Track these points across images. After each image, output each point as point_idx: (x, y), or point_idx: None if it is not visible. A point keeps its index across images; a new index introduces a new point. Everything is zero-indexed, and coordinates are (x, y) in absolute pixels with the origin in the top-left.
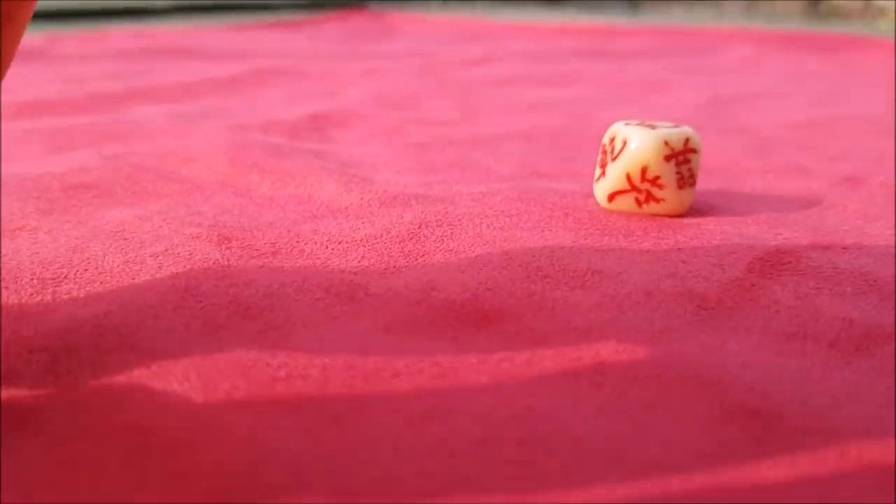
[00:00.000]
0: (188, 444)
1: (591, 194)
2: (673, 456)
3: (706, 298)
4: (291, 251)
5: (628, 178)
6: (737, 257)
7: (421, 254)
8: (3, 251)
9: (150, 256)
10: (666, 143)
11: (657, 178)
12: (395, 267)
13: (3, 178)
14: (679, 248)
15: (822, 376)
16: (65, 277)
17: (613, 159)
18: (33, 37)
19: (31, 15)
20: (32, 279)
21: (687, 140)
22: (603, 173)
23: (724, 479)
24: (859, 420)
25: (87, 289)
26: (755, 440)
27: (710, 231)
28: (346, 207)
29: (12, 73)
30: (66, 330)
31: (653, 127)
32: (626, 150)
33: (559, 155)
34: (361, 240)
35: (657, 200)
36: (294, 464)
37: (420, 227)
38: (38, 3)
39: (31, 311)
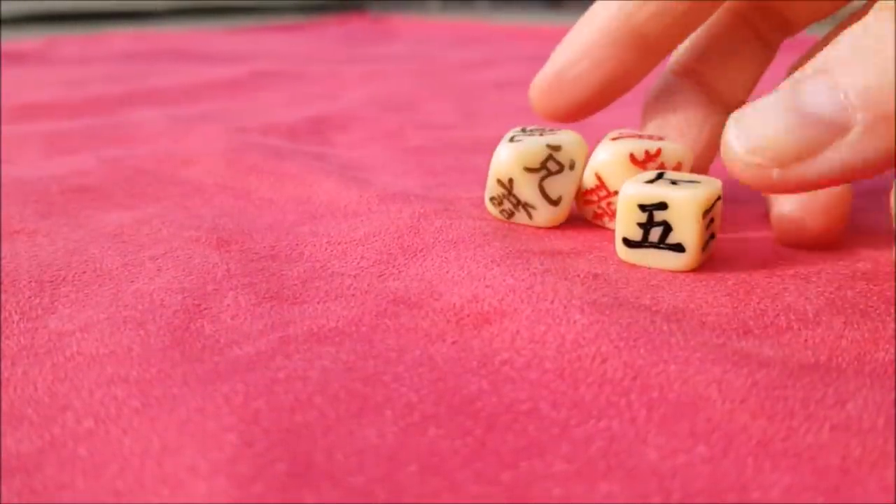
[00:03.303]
0: (187, 444)
1: None
2: (676, 464)
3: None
4: (291, 254)
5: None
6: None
7: (420, 248)
8: (2, 254)
9: (149, 259)
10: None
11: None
12: (394, 266)
13: (2, 180)
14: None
15: None
16: (63, 280)
17: None
18: (32, 39)
19: None
20: (31, 282)
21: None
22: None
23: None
24: None
25: (86, 291)
26: None
27: None
28: (345, 207)
29: (11, 75)
30: None
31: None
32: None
33: None
34: (360, 239)
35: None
36: (292, 464)
37: (419, 220)
38: (37, 4)
39: None
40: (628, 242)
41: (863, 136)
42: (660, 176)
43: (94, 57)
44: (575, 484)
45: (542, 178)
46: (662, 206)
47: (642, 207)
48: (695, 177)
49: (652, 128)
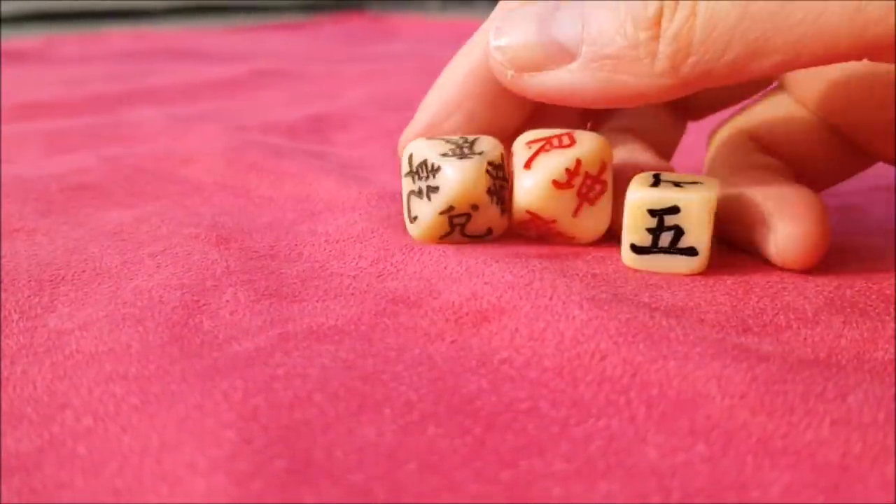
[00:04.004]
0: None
1: None
2: (676, 462)
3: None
4: (290, 253)
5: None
6: None
7: (419, 245)
8: (2, 253)
9: (148, 256)
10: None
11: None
12: (392, 265)
13: (1, 179)
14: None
15: None
16: (62, 279)
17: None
18: (32, 38)
19: None
20: (30, 280)
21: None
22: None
23: None
24: None
25: (85, 290)
26: None
27: None
28: (344, 204)
29: (11, 74)
30: None
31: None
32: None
33: None
34: (358, 236)
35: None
36: (291, 461)
37: None
38: (37, 4)
39: None
40: (636, 249)
41: (581, 68)
42: (657, 177)
43: (93, 56)
44: (574, 483)
45: (462, 228)
46: (674, 209)
47: (652, 212)
48: (689, 176)
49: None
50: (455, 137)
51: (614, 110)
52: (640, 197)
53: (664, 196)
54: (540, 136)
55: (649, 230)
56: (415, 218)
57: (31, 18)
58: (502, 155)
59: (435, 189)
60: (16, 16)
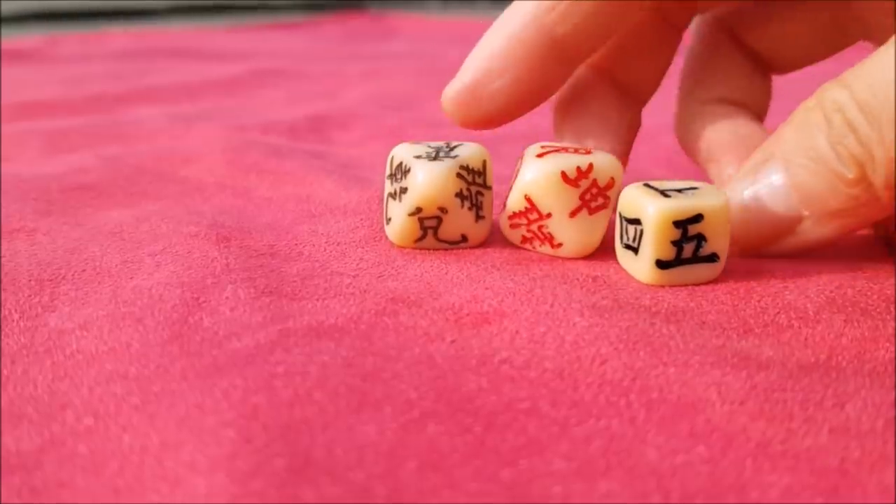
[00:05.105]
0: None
1: None
2: (675, 463)
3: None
4: (290, 253)
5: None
6: None
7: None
8: (2, 252)
9: (148, 255)
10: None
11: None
12: (393, 267)
13: (1, 179)
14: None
15: None
16: (63, 278)
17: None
18: (32, 37)
19: None
20: (30, 280)
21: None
22: None
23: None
24: None
25: (85, 289)
26: None
27: None
28: (345, 206)
29: (11, 73)
30: None
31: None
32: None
33: None
34: (360, 240)
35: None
36: (291, 460)
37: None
38: (37, 3)
39: None
40: (662, 264)
41: (814, 226)
42: (653, 188)
43: (94, 55)
44: (574, 482)
45: (435, 231)
46: (698, 218)
47: (677, 224)
48: (680, 183)
49: (567, 131)
50: (440, 143)
51: (704, 79)
52: (661, 209)
53: (687, 205)
54: (556, 145)
55: (673, 242)
56: (389, 220)
57: (32, 17)
58: (485, 162)
59: (405, 190)
60: (16, 15)
